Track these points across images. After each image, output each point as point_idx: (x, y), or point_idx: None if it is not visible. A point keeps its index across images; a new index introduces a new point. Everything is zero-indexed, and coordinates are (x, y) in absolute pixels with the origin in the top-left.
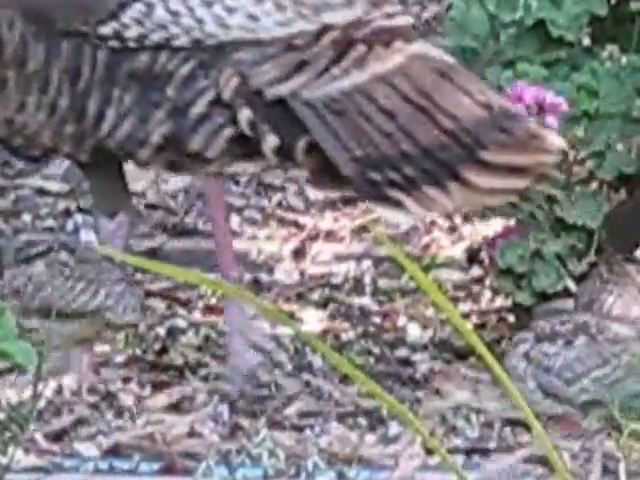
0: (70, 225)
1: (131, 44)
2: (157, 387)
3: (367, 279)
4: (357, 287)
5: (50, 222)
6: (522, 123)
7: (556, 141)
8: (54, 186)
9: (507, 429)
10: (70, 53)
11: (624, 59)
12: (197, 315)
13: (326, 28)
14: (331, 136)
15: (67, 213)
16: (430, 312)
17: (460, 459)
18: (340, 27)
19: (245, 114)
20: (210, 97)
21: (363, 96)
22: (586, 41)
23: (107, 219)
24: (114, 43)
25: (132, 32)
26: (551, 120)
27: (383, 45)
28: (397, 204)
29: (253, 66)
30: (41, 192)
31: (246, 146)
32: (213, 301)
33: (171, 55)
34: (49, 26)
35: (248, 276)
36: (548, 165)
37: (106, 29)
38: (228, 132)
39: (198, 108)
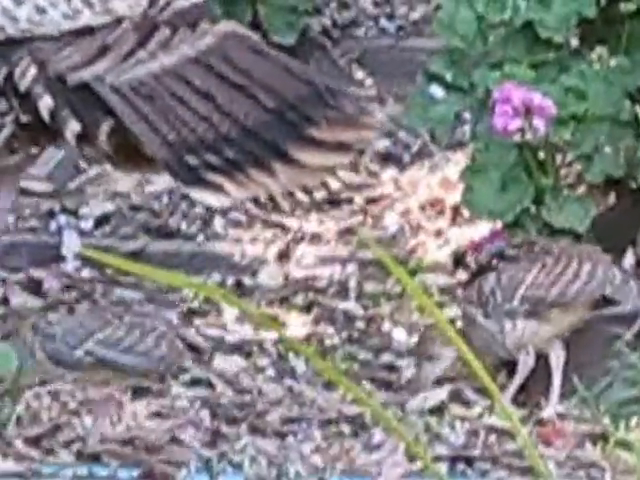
0: (53, 226)
1: None
2: (137, 392)
3: (352, 283)
4: (342, 291)
5: (33, 223)
6: (345, 98)
7: (379, 115)
8: (38, 186)
9: (492, 437)
10: None
11: (613, 61)
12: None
13: (117, 18)
14: (142, 120)
15: (50, 214)
16: (416, 317)
17: (444, 467)
18: (132, 15)
19: (45, 102)
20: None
21: (175, 79)
22: (575, 43)
23: None
24: None
25: None
26: (539, 122)
27: (188, 27)
28: (216, 188)
29: (52, 53)
30: (25, 192)
31: (47, 134)
32: (195, 304)
33: None
34: None
35: (231, 279)
36: (370, 140)
37: None
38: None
39: None
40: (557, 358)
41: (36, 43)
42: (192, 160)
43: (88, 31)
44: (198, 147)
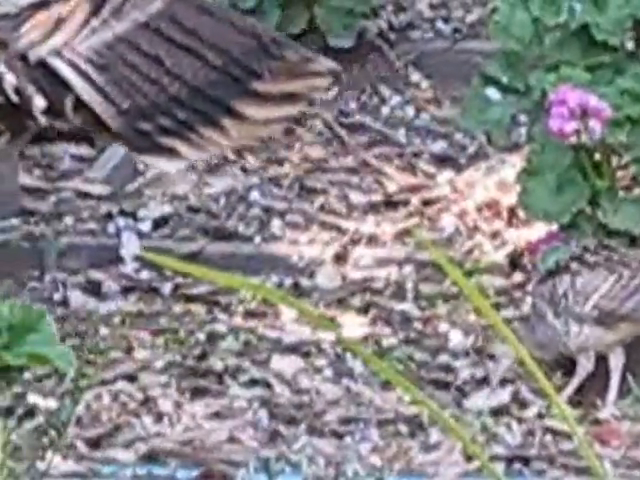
0: (112, 228)
1: None
2: (196, 393)
3: (409, 284)
4: (399, 292)
5: (92, 225)
6: (292, 48)
7: (327, 63)
8: (96, 189)
9: (548, 437)
10: None
11: None
12: (237, 320)
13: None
14: (96, 92)
15: (109, 216)
16: (472, 318)
17: (501, 467)
18: None
19: (9, 81)
20: None
21: (126, 46)
22: (630, 45)
23: None
24: None
25: None
26: (594, 124)
27: None
28: (170, 152)
29: (12, 31)
30: (83, 195)
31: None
32: (253, 306)
33: None
34: None
35: (289, 280)
36: (321, 88)
37: None
38: None
39: None
40: (617, 361)
41: None
42: (145, 126)
43: (45, 4)
44: (150, 112)
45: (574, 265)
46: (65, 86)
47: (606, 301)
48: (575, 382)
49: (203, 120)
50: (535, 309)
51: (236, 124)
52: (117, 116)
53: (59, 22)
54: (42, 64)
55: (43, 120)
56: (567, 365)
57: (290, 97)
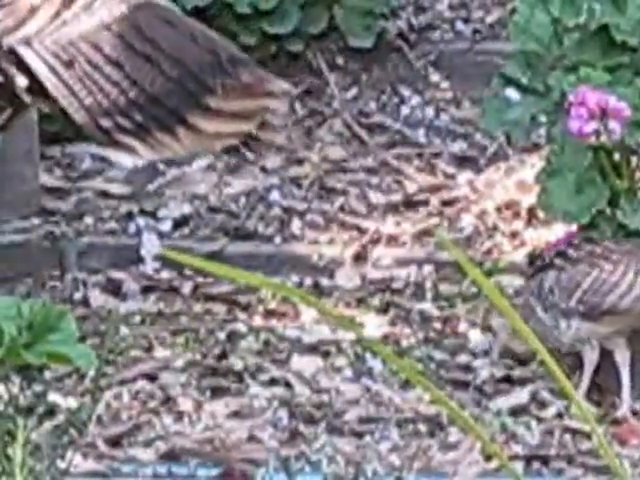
0: (132, 228)
1: None
2: (216, 392)
3: (428, 284)
4: (418, 292)
5: (112, 225)
6: (248, 67)
7: (281, 85)
8: (116, 189)
9: (567, 436)
10: None
11: None
12: (257, 319)
13: None
14: (62, 85)
15: (129, 216)
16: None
17: (520, 466)
18: None
19: None
20: None
21: (90, 45)
22: None
23: None
24: None
25: None
26: (614, 125)
27: None
28: (129, 149)
29: None
30: (103, 195)
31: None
32: (273, 305)
33: None
34: None
35: (309, 280)
36: (273, 109)
37: None
38: None
39: None
40: (623, 357)
41: None
42: (106, 123)
43: None
44: (111, 111)
45: (558, 261)
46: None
47: (589, 296)
48: (586, 377)
49: (159, 126)
50: (527, 305)
51: (189, 134)
52: (80, 110)
53: (33, 10)
54: (13, 52)
55: (28, 99)
56: (573, 359)
57: (239, 115)
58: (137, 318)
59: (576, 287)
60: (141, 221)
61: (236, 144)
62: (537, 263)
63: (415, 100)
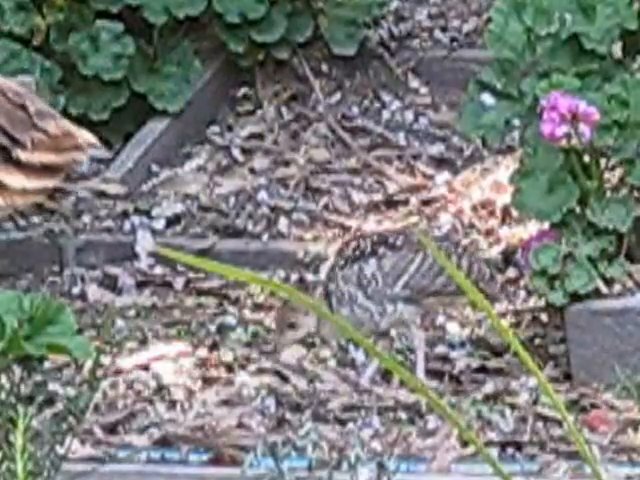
0: (127, 226)
1: None
2: (207, 381)
3: None
4: None
5: (109, 223)
6: (55, 121)
7: (88, 138)
8: (113, 189)
9: (539, 423)
10: None
11: None
12: (246, 313)
13: None
14: None
15: (125, 215)
16: (468, 311)
17: (495, 451)
18: None
19: None
20: None
21: None
22: (618, 53)
23: None
24: None
25: None
26: (584, 128)
27: None
28: None
29: None
30: (100, 194)
31: None
32: (261, 299)
33: None
34: None
35: (295, 275)
36: (79, 161)
37: None
38: None
39: None
40: (419, 338)
41: None
42: None
43: None
44: None
45: (381, 250)
46: None
47: (416, 280)
48: (421, 355)
49: None
50: (344, 293)
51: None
52: None
53: None
54: None
55: None
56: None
57: (49, 169)
58: (132, 311)
59: (402, 273)
60: (136, 219)
61: None
62: (349, 254)
63: (395, 105)
